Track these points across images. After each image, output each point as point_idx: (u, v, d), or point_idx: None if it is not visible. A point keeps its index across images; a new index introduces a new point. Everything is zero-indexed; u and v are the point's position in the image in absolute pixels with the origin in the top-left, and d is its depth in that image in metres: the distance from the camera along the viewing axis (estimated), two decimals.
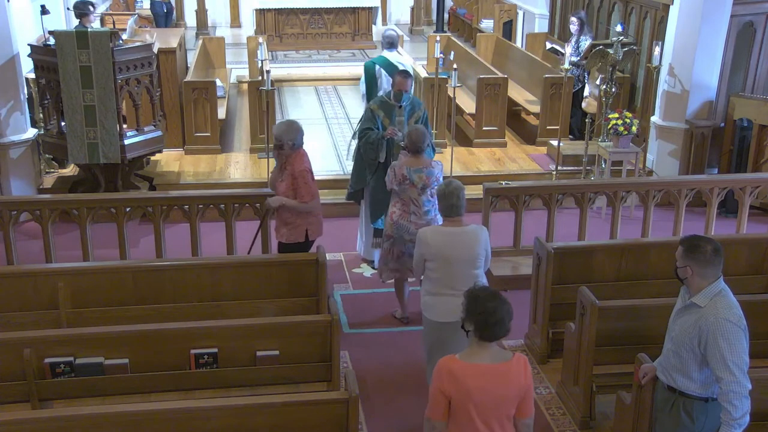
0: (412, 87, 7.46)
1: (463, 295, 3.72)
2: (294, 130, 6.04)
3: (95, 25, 8.85)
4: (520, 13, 14.52)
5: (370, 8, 15.98)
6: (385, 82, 8.65)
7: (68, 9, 10.12)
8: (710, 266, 3.88)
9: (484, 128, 10.21)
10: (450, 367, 3.57)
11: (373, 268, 7.59)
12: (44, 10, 8.09)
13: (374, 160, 7.04)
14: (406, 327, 6.59)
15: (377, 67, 8.77)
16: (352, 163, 7.53)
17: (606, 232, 7.79)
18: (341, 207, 8.55)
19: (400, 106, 7.08)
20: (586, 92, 10.08)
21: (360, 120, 7.53)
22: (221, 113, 10.24)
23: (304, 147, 6.13)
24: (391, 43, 8.87)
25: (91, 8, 8.63)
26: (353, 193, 7.47)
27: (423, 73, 10.35)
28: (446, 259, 4.96)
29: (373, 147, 6.99)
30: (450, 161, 8.94)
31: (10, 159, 8.38)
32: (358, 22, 15.97)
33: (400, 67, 8.42)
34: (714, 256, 3.88)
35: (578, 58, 9.84)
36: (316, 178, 6.21)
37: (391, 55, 8.84)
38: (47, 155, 8.99)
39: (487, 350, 3.60)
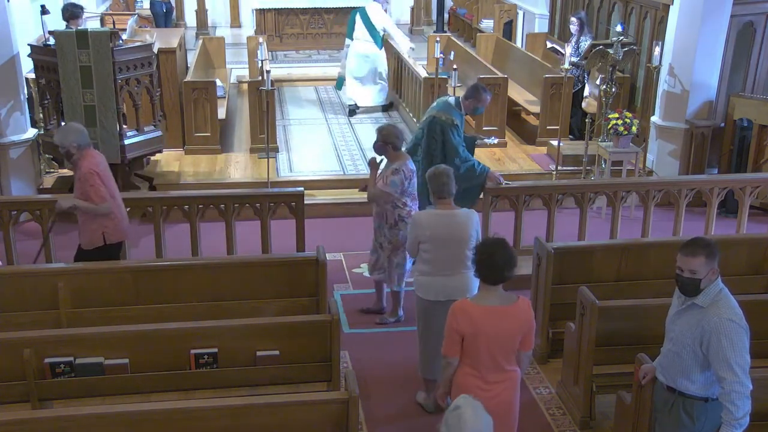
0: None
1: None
2: (72, 132, 5.81)
3: (95, 25, 8.84)
4: (520, 13, 14.52)
5: None
6: (358, 28, 11.16)
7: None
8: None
9: (484, 128, 10.19)
10: (464, 308, 4.07)
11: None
12: (44, 10, 8.08)
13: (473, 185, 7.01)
14: (406, 327, 6.59)
15: (357, 15, 11.21)
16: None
17: (606, 232, 7.78)
18: (341, 207, 8.55)
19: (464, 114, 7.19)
20: (586, 92, 10.08)
21: (435, 137, 6.98)
22: (221, 113, 10.23)
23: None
24: None
25: (80, 11, 8.62)
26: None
27: (423, 73, 10.36)
28: (440, 240, 5.16)
29: (479, 179, 6.99)
30: None
31: (10, 159, 8.38)
32: None
33: (377, 27, 11.11)
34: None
35: (578, 58, 9.83)
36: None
37: (371, 9, 11.16)
38: (47, 155, 8.98)
39: (494, 294, 4.10)
